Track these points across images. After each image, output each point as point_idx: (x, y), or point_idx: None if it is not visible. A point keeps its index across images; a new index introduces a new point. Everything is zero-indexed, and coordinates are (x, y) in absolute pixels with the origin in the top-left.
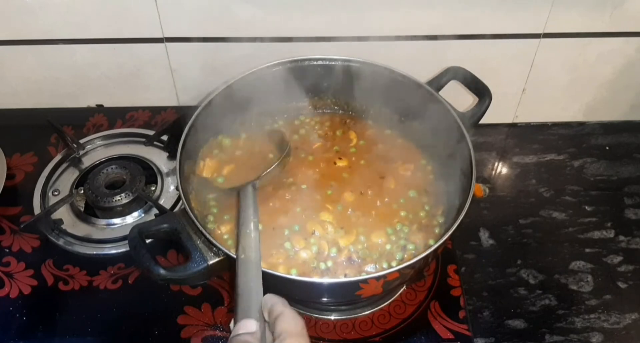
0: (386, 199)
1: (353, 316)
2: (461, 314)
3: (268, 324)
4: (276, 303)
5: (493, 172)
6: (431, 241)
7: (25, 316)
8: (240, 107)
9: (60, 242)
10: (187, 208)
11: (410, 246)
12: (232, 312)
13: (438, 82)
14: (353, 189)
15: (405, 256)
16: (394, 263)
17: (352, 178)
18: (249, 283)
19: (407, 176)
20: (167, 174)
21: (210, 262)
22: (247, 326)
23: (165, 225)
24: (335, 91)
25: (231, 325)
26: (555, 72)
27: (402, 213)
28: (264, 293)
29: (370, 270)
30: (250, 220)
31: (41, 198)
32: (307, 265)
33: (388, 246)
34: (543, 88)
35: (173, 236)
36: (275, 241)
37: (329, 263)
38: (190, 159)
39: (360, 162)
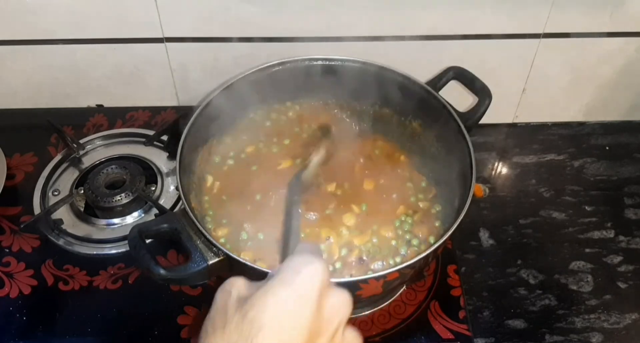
0: (393, 193)
1: (353, 316)
2: (461, 314)
3: None
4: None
5: (493, 172)
6: (431, 238)
7: (25, 316)
8: (240, 107)
9: (60, 242)
10: (187, 208)
11: (415, 241)
12: None
13: (438, 82)
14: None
15: (409, 251)
16: (398, 259)
17: (361, 173)
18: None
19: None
20: (167, 174)
21: (210, 262)
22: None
23: (165, 225)
24: (335, 91)
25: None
26: (555, 72)
27: (402, 207)
28: None
29: (377, 267)
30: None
31: (41, 198)
32: None
33: (394, 242)
34: (543, 88)
35: (173, 236)
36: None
37: (338, 264)
38: (191, 159)
39: (365, 159)
